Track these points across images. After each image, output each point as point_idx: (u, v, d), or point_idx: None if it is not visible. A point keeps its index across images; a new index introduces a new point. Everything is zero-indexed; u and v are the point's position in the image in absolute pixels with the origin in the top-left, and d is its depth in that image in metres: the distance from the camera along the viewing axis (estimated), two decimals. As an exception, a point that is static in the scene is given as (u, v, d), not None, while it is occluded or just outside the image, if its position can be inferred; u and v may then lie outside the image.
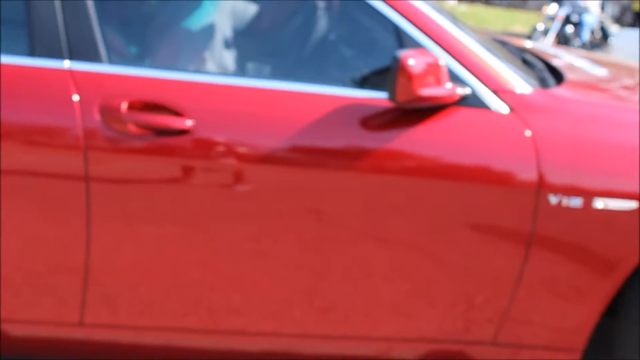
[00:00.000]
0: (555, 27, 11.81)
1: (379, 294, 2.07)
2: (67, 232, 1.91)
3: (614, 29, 12.19)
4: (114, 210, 1.90)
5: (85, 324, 1.98)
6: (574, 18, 12.07)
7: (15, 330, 2.02)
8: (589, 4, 12.30)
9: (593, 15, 12.31)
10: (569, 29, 11.81)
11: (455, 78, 1.93)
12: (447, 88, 1.86)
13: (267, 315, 2.07)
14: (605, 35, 12.18)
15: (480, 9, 17.36)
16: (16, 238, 1.92)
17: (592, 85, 2.60)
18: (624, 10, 16.89)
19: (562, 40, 11.74)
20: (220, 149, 1.90)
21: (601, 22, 12.54)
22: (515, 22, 15.29)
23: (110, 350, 2.12)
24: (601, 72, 2.79)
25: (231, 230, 1.96)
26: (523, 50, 2.81)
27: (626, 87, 2.69)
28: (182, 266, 1.99)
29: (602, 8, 13.36)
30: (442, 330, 2.11)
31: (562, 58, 2.86)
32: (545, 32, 11.81)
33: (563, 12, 12.02)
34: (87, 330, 2.01)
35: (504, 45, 2.54)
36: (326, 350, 2.16)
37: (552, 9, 12.35)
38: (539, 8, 15.07)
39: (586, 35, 12.00)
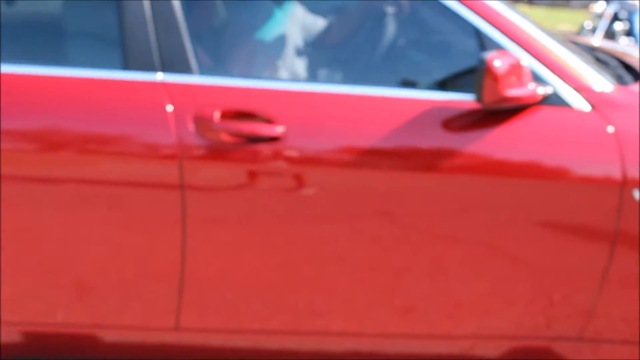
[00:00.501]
0: (604, 25, 11.76)
1: (461, 293, 2.11)
2: (164, 240, 1.97)
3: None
4: (209, 217, 1.96)
5: (181, 328, 2.05)
6: (623, 15, 12.03)
7: (108, 336, 2.10)
8: (637, 2, 12.19)
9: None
10: (618, 26, 11.73)
11: (537, 78, 1.97)
12: (531, 88, 1.89)
13: (348, 316, 2.12)
14: None
15: (524, 9, 17.33)
16: (113, 247, 1.99)
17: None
18: None
19: (611, 38, 11.66)
20: (310, 154, 1.95)
21: None
22: (561, 21, 15.14)
23: (201, 353, 2.18)
24: None
25: (310, 232, 2.02)
26: (594, 48, 2.83)
27: None
28: (273, 270, 2.04)
29: None
30: (526, 327, 2.15)
31: (634, 55, 2.87)
32: (594, 30, 11.78)
33: (611, 10, 11.99)
34: (182, 334, 2.08)
35: (576, 44, 2.55)
36: (409, 350, 2.20)
37: (599, 6, 12.34)
38: (583, 7, 15.14)
39: (637, 32, 11.91)
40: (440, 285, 2.11)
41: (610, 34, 11.86)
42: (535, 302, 2.13)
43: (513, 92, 1.85)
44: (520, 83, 1.87)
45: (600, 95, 2.02)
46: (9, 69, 1.91)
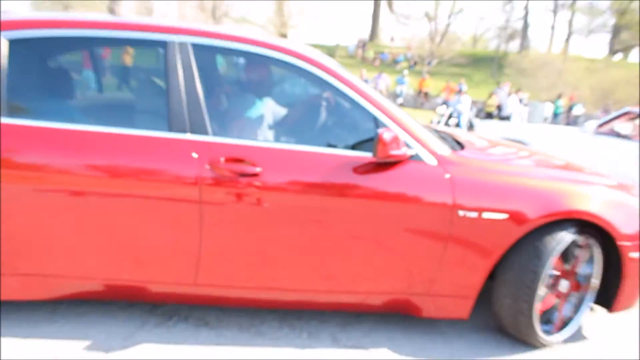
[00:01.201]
0: (443, 120, 15.01)
1: (363, 267, 2.89)
2: (189, 234, 2.70)
3: (476, 121, 15.40)
4: (215, 219, 2.70)
5: (198, 284, 2.80)
6: (454, 115, 15.13)
7: (155, 288, 2.84)
8: (462, 108, 15.32)
9: (465, 114, 16.02)
10: (451, 121, 14.78)
11: (407, 145, 2.84)
12: (403, 151, 2.75)
13: (295, 279, 2.87)
14: (471, 125, 15.03)
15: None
16: (161, 237, 2.72)
17: (480, 150, 3.52)
18: (479, 110, 20.13)
19: (447, 126, 14.96)
20: (276, 184, 2.71)
21: (469, 118, 16.08)
22: (418, 116, 17.17)
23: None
24: (483, 143, 3.84)
25: (275, 230, 2.76)
26: (438, 130, 3.76)
27: (499, 151, 3.69)
28: (252, 252, 2.78)
29: (470, 109, 16.55)
30: (397, 287, 2.95)
31: (461, 135, 3.84)
32: (438, 122, 14.83)
33: (448, 112, 15.90)
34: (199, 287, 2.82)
35: (428, 128, 3.45)
36: (330, 300, 2.99)
37: (441, 109, 16.50)
38: (432, 108, 18.09)
39: (462, 125, 14.92)
40: (348, 263, 2.87)
41: (447, 124, 15.19)
42: (402, 274, 2.91)
43: (394, 152, 2.70)
44: (398, 147, 2.72)
45: (442, 156, 2.90)
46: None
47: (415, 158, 2.86)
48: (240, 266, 2.81)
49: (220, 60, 3.34)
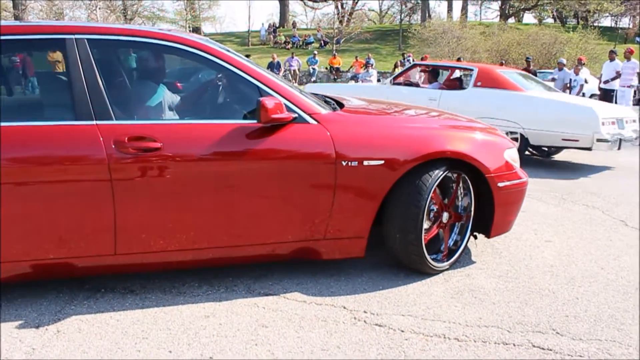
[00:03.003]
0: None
1: (267, 221, 3.11)
2: (103, 208, 2.85)
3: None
4: (125, 191, 2.86)
5: (118, 253, 2.96)
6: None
7: (81, 263, 2.97)
8: (371, 79, 15.60)
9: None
10: None
11: (289, 109, 3.08)
12: (285, 115, 2.98)
13: (209, 238, 3.07)
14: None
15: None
16: (80, 215, 2.84)
17: (357, 108, 3.80)
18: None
19: None
20: (176, 156, 2.90)
21: None
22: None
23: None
24: (362, 103, 4.10)
25: (182, 196, 2.94)
26: (323, 96, 4.01)
27: (372, 107, 3.95)
28: (160, 217, 2.96)
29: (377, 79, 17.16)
30: (300, 236, 3.19)
31: (343, 99, 4.09)
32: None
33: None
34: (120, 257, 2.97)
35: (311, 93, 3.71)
36: (243, 254, 3.21)
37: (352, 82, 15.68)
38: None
39: None
40: (252, 219, 3.08)
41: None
42: (300, 223, 3.15)
43: (276, 116, 2.93)
44: (281, 112, 2.95)
45: (321, 116, 3.15)
46: None
47: (297, 120, 3.10)
48: (154, 232, 2.99)
49: (117, 52, 3.46)
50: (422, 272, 3.50)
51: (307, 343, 2.73)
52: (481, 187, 3.52)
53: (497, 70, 8.60)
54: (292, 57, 26.76)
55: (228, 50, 3.23)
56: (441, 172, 3.29)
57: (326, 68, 28.41)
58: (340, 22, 39.07)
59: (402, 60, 23.45)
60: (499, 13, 44.71)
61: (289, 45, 36.24)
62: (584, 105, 7.75)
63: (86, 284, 3.33)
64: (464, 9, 43.42)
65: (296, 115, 3.09)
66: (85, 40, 2.93)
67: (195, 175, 2.95)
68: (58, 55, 3.16)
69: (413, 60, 22.48)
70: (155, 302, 3.12)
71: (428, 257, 3.39)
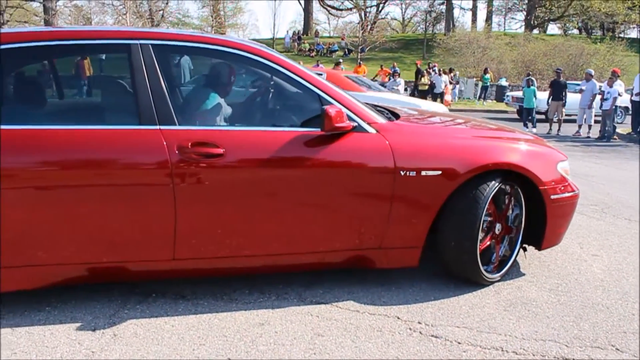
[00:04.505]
0: None
1: (322, 230, 3.10)
2: (164, 213, 2.85)
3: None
4: (186, 196, 2.85)
5: (176, 259, 2.95)
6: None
7: (136, 267, 2.97)
8: (398, 88, 15.88)
9: (400, 93, 16.97)
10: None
11: (349, 118, 3.05)
12: (346, 123, 2.97)
13: (261, 245, 3.05)
14: None
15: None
16: (140, 219, 2.86)
17: (413, 118, 3.79)
18: (413, 89, 21.00)
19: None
20: (238, 162, 2.89)
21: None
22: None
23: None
24: (415, 113, 4.10)
25: (240, 203, 2.93)
26: (375, 105, 3.96)
27: (429, 119, 3.95)
28: (222, 227, 2.95)
29: (405, 89, 17.46)
30: (352, 244, 3.16)
31: (395, 109, 4.09)
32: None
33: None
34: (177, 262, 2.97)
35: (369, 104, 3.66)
36: (291, 262, 3.19)
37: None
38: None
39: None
40: (308, 227, 3.07)
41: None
42: (355, 232, 3.12)
43: (338, 125, 2.91)
44: (342, 120, 2.94)
45: (380, 125, 3.13)
46: None
47: (357, 129, 3.08)
48: (211, 238, 2.98)
49: (177, 58, 3.48)
50: (474, 282, 3.46)
51: (365, 353, 2.70)
52: (532, 199, 3.47)
53: (342, 74, 11.17)
54: (318, 65, 26.76)
55: (289, 59, 3.21)
56: (497, 183, 3.26)
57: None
58: (363, 28, 39.01)
59: (428, 69, 23.36)
60: (523, 24, 44.39)
61: (313, 53, 36.34)
62: (411, 102, 9.42)
63: (136, 288, 3.33)
64: (489, 19, 43.21)
65: (356, 124, 3.07)
66: (150, 46, 2.94)
67: (254, 182, 2.94)
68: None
69: (439, 70, 22.42)
70: (208, 308, 3.10)
71: (481, 266, 3.34)
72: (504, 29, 48.17)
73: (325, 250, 3.18)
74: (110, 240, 2.89)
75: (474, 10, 45.34)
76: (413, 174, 3.08)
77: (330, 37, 47.68)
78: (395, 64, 26.39)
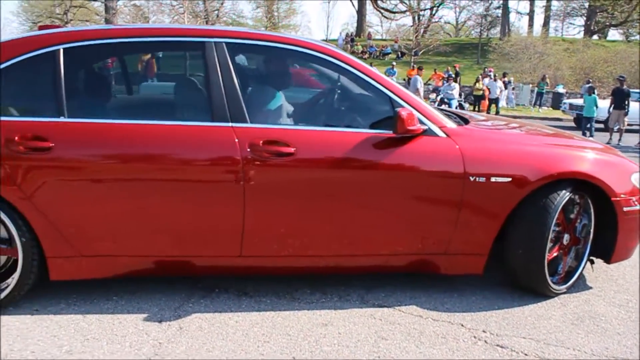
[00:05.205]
0: (435, 105, 15.28)
1: (387, 232, 3.09)
2: (233, 209, 2.89)
3: (466, 105, 16.44)
4: (256, 194, 2.88)
5: (243, 255, 2.99)
6: (445, 99, 15.46)
7: (202, 262, 3.03)
8: (453, 93, 15.83)
9: (455, 98, 16.91)
10: (443, 106, 15.16)
11: (420, 121, 3.03)
12: (418, 126, 2.95)
13: (325, 245, 3.07)
14: (463, 108, 16.37)
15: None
16: (210, 212, 2.90)
17: (482, 123, 3.74)
18: (468, 94, 20.57)
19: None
20: (309, 161, 2.91)
21: (459, 101, 17.19)
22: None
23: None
24: (482, 118, 4.05)
25: (308, 202, 2.95)
26: (443, 109, 3.97)
27: (497, 124, 3.90)
28: (288, 225, 2.99)
29: (460, 94, 17.31)
30: (416, 248, 3.13)
31: (464, 114, 4.05)
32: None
33: (439, 97, 16.18)
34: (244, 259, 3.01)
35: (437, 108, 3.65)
36: (355, 264, 3.19)
37: (433, 95, 16.99)
38: (426, 96, 18.31)
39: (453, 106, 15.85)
40: (369, 229, 3.06)
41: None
42: (421, 236, 3.10)
43: (410, 127, 2.90)
44: (413, 124, 2.93)
45: (450, 129, 3.10)
46: None
47: (427, 133, 3.05)
48: (277, 237, 3.00)
49: (247, 56, 3.52)
50: (539, 293, 3.38)
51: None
52: (601, 210, 3.37)
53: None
54: (371, 67, 26.66)
55: (359, 60, 3.21)
56: (568, 193, 3.17)
57: (404, 79, 28.20)
58: (417, 31, 38.70)
59: (482, 74, 23.01)
60: (583, 29, 43.25)
61: (366, 55, 36.26)
62: None
63: (200, 282, 3.38)
64: (546, 24, 42.28)
65: (427, 127, 3.04)
66: (224, 44, 2.98)
67: (322, 182, 2.95)
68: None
69: (494, 75, 22.07)
70: (271, 306, 3.12)
71: (548, 277, 3.26)
72: (562, 35, 47.01)
73: (389, 254, 3.16)
74: (179, 235, 2.94)
75: (530, 14, 44.45)
76: (482, 180, 3.03)
77: (383, 39, 47.45)
78: (449, 67, 26.05)
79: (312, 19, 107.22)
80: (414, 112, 3.02)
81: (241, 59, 3.84)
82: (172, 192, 2.87)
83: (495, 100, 20.22)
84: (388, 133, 2.98)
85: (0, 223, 2.91)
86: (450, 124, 3.16)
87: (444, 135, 3.08)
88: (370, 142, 2.97)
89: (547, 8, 43.40)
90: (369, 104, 3.25)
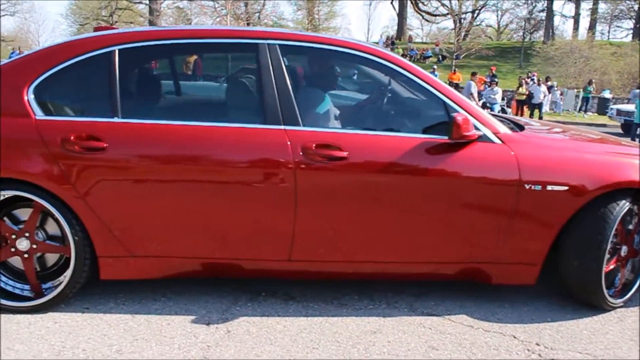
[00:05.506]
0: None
1: (437, 240, 3.02)
2: (284, 213, 2.87)
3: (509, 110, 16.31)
4: (307, 198, 2.86)
5: (292, 260, 2.97)
6: (488, 104, 15.30)
7: (250, 265, 3.01)
8: (496, 97, 15.60)
9: (498, 103, 16.84)
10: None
11: (475, 127, 2.96)
12: (473, 132, 2.89)
13: (374, 252, 3.01)
14: (505, 113, 15.49)
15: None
16: (261, 215, 2.90)
17: (538, 130, 3.63)
18: (510, 99, 20.27)
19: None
20: (361, 166, 2.87)
21: (502, 105, 16.83)
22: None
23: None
24: (537, 124, 3.94)
25: (360, 207, 2.90)
26: (499, 116, 3.87)
27: (553, 130, 3.79)
28: (338, 230, 2.95)
29: (503, 99, 17.11)
30: (472, 257, 3.07)
31: (518, 120, 3.95)
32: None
33: (481, 102, 16.28)
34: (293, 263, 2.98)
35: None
36: (403, 271, 3.14)
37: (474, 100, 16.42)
38: None
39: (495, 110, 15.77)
40: (419, 235, 3.01)
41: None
42: (473, 244, 3.03)
43: (466, 133, 2.83)
44: (469, 129, 2.86)
45: (506, 135, 3.03)
46: None
47: (482, 139, 2.98)
48: (327, 242, 2.97)
49: (297, 58, 3.50)
50: (594, 306, 3.26)
51: (482, 372, 2.60)
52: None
53: None
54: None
55: (412, 64, 3.16)
56: (628, 203, 3.06)
57: (446, 83, 27.99)
58: (457, 34, 38.27)
59: (525, 79, 22.63)
60: (631, 32, 42.15)
61: (407, 59, 35.99)
62: None
63: (247, 285, 3.37)
64: (592, 27, 41.33)
65: (482, 133, 2.97)
66: (277, 46, 2.96)
67: (373, 187, 2.91)
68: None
69: (538, 80, 21.67)
70: (319, 312, 3.09)
71: (605, 289, 3.15)
72: (608, 38, 45.94)
73: (439, 261, 3.10)
74: (228, 238, 2.94)
75: (576, 17, 43.52)
76: (538, 188, 2.94)
77: (423, 42, 47.14)
78: (493, 71, 25.62)
79: (353, 21, 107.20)
80: (469, 117, 2.94)
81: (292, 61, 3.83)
82: (223, 194, 2.86)
83: (539, 106, 19.83)
84: (441, 138, 2.92)
85: (54, 221, 2.95)
86: (505, 130, 3.08)
87: (499, 141, 3.00)
88: (423, 148, 2.92)
89: (594, 11, 42.40)
90: (421, 108, 3.20)
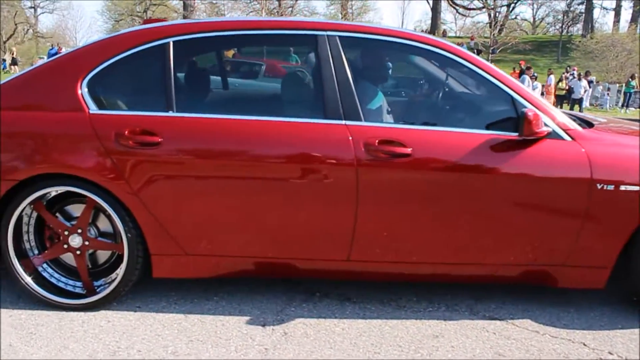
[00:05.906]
0: None
1: (500, 240, 2.89)
2: (344, 211, 2.78)
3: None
4: (370, 197, 2.76)
5: (351, 260, 2.88)
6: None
7: (305, 265, 2.93)
8: (535, 92, 15.37)
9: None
10: None
11: (545, 124, 2.81)
12: (544, 129, 2.76)
13: (432, 252, 2.90)
14: None
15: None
16: (320, 213, 2.80)
17: (608, 126, 3.44)
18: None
19: None
20: (425, 163, 2.76)
21: None
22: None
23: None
24: (604, 121, 3.73)
25: (423, 207, 2.80)
26: (570, 113, 3.65)
27: (623, 127, 3.56)
28: (400, 230, 2.84)
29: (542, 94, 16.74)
30: (538, 259, 2.92)
31: (586, 116, 3.76)
32: None
33: None
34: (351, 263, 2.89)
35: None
36: (462, 273, 3.02)
37: None
38: None
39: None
40: (478, 237, 2.88)
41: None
42: (541, 245, 2.88)
43: (537, 130, 2.70)
44: (539, 126, 2.72)
45: (576, 132, 2.88)
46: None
47: (552, 135, 2.84)
48: (386, 241, 2.87)
49: (356, 51, 3.39)
50: (667, 313, 3.08)
51: (554, 381, 2.47)
52: None
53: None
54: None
55: (480, 58, 3.02)
56: None
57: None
58: (493, 28, 37.64)
59: (565, 74, 22.15)
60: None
61: (441, 53, 35.56)
62: None
63: (300, 285, 3.29)
64: (635, 19, 40.26)
65: (551, 130, 2.83)
66: (337, 38, 2.87)
67: (437, 185, 2.79)
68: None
69: (578, 74, 21.18)
70: (377, 314, 3.00)
71: (682, 297, 2.98)
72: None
73: (502, 263, 2.97)
74: (284, 237, 2.86)
75: (617, 10, 42.46)
76: (611, 187, 2.79)
77: (457, 37, 46.55)
78: (522, 63, 25.05)
79: (385, 15, 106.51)
80: (538, 112, 2.80)
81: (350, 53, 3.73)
82: (279, 191, 2.78)
83: (579, 101, 19.38)
84: (508, 135, 2.79)
85: (107, 218, 2.91)
86: (577, 127, 2.93)
87: (569, 138, 2.86)
88: (489, 144, 2.78)
89: (637, 3, 41.29)
90: (484, 103, 3.08)
